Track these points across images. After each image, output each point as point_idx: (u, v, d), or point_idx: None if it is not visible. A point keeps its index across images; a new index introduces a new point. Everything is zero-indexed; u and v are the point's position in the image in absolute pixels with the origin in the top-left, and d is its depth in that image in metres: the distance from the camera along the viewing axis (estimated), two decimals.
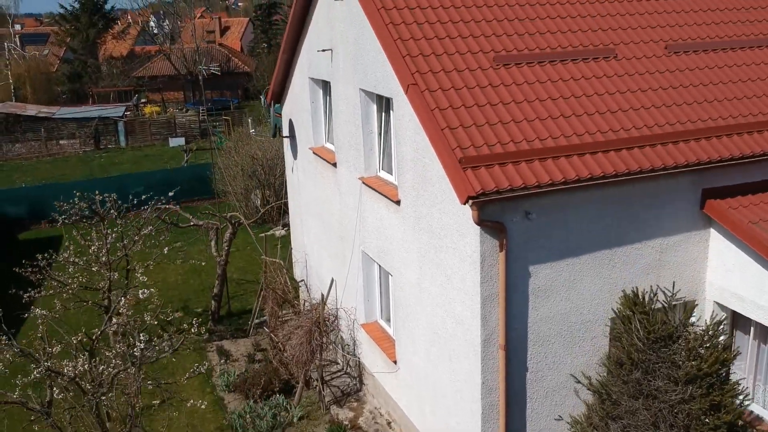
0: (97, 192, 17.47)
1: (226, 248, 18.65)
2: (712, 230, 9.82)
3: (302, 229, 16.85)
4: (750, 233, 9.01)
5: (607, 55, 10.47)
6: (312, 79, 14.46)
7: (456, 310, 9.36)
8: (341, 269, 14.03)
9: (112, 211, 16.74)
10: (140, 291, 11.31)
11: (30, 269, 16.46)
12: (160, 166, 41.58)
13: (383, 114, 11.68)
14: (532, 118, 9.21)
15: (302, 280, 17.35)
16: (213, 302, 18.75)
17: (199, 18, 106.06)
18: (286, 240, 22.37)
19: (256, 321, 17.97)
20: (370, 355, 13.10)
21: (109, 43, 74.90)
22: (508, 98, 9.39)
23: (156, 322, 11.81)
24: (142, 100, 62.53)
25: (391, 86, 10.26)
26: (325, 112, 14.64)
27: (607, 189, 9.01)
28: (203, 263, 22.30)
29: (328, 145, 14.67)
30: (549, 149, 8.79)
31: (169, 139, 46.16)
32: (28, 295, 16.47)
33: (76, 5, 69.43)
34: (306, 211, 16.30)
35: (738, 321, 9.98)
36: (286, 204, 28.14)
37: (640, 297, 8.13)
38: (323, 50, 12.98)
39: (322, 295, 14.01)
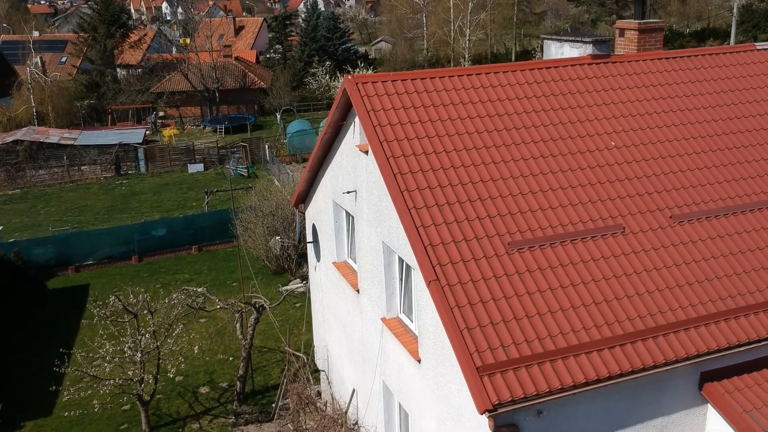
0: (130, 289, 18.40)
1: (251, 332, 19.55)
2: (709, 406, 10.60)
3: (324, 326, 17.70)
4: (744, 423, 9.78)
5: (615, 230, 11.21)
6: (336, 203, 15.27)
7: None
8: (362, 382, 14.89)
9: (145, 311, 17.66)
10: None
11: (64, 366, 17.53)
12: (180, 196, 42.65)
13: (405, 264, 12.47)
14: (544, 311, 10.00)
15: (323, 371, 18.23)
16: (238, 383, 19.68)
17: (210, 12, 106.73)
18: (306, 298, 23.18)
19: (280, 404, 18.92)
20: None
21: (126, 53, 75.92)
22: (522, 289, 10.18)
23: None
24: (160, 113, 63.53)
25: (412, 259, 11.04)
26: (348, 231, 15.45)
27: (614, 383, 9.79)
28: (229, 349, 23.10)
29: (351, 262, 15.48)
30: (560, 350, 9.59)
31: (188, 165, 47.09)
32: (67, 394, 17.52)
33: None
34: (328, 311, 17.14)
35: None
36: (303, 254, 29.02)
37: None
38: (348, 192, 13.77)
39: (345, 412, 14.90)
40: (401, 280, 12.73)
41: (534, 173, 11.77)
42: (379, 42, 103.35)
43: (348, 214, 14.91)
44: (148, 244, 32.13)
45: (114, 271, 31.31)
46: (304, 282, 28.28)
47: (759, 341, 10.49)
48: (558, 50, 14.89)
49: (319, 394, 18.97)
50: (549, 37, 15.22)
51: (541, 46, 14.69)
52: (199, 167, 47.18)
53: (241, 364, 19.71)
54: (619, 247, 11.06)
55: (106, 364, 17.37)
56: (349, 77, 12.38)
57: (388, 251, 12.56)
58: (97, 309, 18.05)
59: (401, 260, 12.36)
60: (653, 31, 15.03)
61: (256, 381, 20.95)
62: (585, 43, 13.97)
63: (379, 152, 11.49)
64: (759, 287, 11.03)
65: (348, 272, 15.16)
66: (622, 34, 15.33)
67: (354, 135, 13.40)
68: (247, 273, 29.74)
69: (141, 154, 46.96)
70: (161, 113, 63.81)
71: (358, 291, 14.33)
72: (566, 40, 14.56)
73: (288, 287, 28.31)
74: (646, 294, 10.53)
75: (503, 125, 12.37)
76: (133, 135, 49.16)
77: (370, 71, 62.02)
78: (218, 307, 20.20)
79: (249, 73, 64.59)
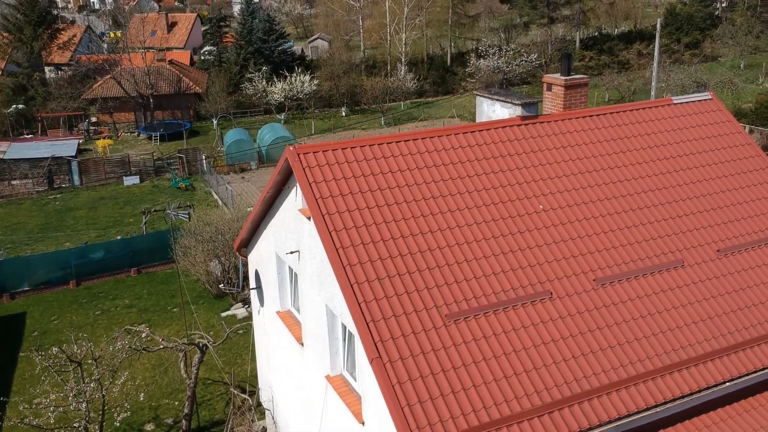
0: (72, 335, 18.38)
1: (195, 371, 19.81)
2: None
3: (268, 367, 18.11)
4: None
5: (543, 296, 12.01)
6: (279, 256, 15.67)
7: None
8: (307, 429, 15.39)
9: (90, 360, 17.74)
10: None
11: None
12: (116, 211, 42.10)
13: (348, 329, 13.01)
14: (479, 383, 10.71)
15: (268, 410, 18.66)
16: (184, 421, 19.92)
17: (140, 3, 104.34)
18: (249, 324, 23.42)
19: None
20: None
21: (54, 54, 73.97)
22: (459, 362, 10.87)
23: None
24: (93, 119, 62.23)
25: (354, 329, 11.58)
26: (291, 282, 15.88)
27: None
28: (173, 382, 23.02)
29: (294, 312, 15.93)
30: (494, 422, 10.33)
31: (124, 177, 46.46)
32: None
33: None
34: (273, 355, 17.56)
35: None
36: (245, 278, 29.29)
37: None
38: (291, 252, 14.22)
39: None
40: (344, 340, 13.27)
41: (468, 241, 12.46)
42: (315, 39, 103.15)
43: (291, 269, 15.35)
44: (86, 268, 31.78)
45: (51, 297, 30.91)
46: (246, 306, 28.56)
47: (674, 400, 11.46)
48: (490, 107, 15.61)
49: (264, 430, 19.43)
50: (482, 94, 15.92)
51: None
52: (135, 180, 46.62)
53: (186, 402, 19.95)
54: (547, 312, 11.87)
55: (50, 414, 17.39)
56: (291, 148, 12.80)
57: (331, 315, 13.08)
58: (39, 358, 18.02)
59: (344, 325, 12.89)
60: (578, 86, 15.87)
61: (201, 417, 21.22)
62: (515, 104, 14.71)
63: (321, 226, 11.98)
64: (674, 346, 12.01)
65: (292, 323, 15.61)
66: (549, 88, 16.15)
67: (296, 198, 13.83)
68: (188, 298, 29.85)
69: (75, 167, 46.05)
70: (93, 119, 62.50)
71: (302, 344, 14.81)
72: (498, 100, 15.28)
73: (231, 312, 28.54)
74: (572, 359, 11.37)
75: (439, 192, 13.01)
76: (66, 147, 48.15)
77: (307, 76, 62.09)
78: (162, 347, 20.37)
79: (184, 78, 63.80)
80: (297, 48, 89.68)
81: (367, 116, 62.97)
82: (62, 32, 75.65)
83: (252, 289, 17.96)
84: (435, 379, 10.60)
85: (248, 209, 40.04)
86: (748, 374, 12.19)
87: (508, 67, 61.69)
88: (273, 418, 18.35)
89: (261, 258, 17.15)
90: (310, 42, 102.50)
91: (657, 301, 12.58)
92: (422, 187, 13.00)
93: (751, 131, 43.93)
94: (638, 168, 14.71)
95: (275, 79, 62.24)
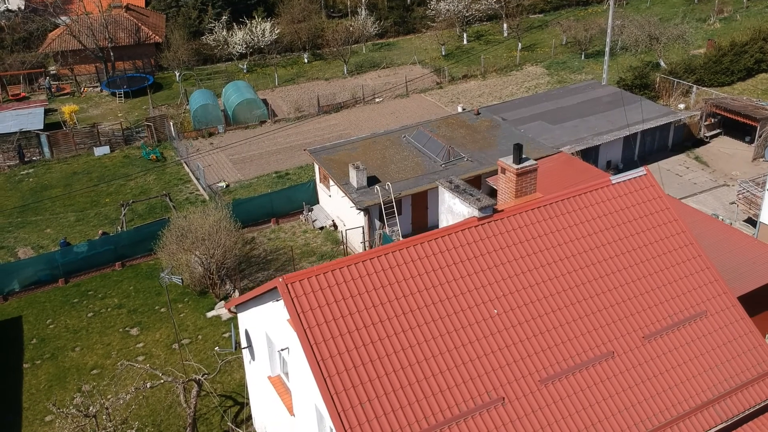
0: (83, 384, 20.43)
1: (194, 402, 22.33)
2: None
3: (261, 408, 20.64)
4: None
5: (497, 403, 14.54)
6: (269, 337, 17.86)
7: None
8: None
9: (104, 416, 20.01)
10: None
11: None
12: (91, 189, 43.20)
13: None
14: None
15: None
16: None
17: None
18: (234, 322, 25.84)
19: None
20: None
21: None
22: None
23: None
24: (51, 71, 61.77)
25: None
26: (281, 355, 18.14)
27: None
28: (171, 393, 25.29)
29: (284, 378, 18.29)
30: None
31: (94, 148, 47.24)
32: None
33: None
34: (264, 404, 20.03)
35: None
36: (228, 270, 31.49)
37: None
38: (281, 350, 16.43)
39: None
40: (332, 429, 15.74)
41: (435, 354, 14.80)
42: None
43: (280, 353, 17.59)
44: (72, 265, 33.48)
45: (43, 298, 32.73)
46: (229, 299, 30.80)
47: None
48: (451, 200, 17.57)
49: None
50: (444, 184, 17.81)
51: None
52: (106, 150, 47.44)
53: (188, 428, 22.59)
54: (500, 418, 14.42)
55: None
56: (280, 279, 14.78)
57: (320, 414, 15.48)
58: (57, 409, 20.28)
59: (332, 428, 15.33)
60: (528, 173, 17.89)
61: None
62: (472, 207, 16.69)
63: (310, 355, 14.17)
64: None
65: (283, 390, 18.02)
66: (503, 172, 18.13)
67: (284, 309, 15.88)
68: (173, 295, 32.00)
69: (44, 140, 46.62)
70: (52, 70, 61.97)
71: (293, 415, 17.29)
72: (458, 197, 17.21)
73: (215, 312, 30.79)
74: None
75: (408, 307, 15.20)
76: (32, 117, 48.38)
77: (268, 24, 61.79)
78: (162, 381, 22.74)
79: (142, 27, 63.05)
80: None
81: (329, 63, 63.35)
82: None
83: (243, 348, 20.20)
84: None
85: (220, 184, 41.75)
86: None
87: (467, 12, 62.10)
88: None
89: (252, 324, 19.31)
90: None
91: (590, 395, 15.20)
92: (394, 303, 15.17)
93: (697, 90, 46.06)
94: (578, 259, 16.97)
95: (236, 27, 61.87)
